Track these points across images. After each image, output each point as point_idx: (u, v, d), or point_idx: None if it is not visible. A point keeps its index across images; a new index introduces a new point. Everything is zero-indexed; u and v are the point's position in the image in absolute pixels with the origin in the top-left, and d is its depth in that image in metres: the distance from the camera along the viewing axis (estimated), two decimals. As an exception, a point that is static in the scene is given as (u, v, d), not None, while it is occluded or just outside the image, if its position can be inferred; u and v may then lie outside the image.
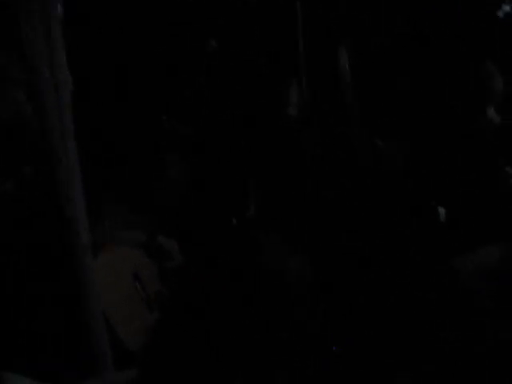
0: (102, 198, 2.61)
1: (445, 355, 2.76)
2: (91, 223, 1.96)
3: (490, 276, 2.85)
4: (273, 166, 3.21)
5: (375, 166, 3.17)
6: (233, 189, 3.23)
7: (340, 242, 3.09)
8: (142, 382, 1.94)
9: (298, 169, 3.19)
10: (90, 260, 1.93)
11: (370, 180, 3.16)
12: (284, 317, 2.69)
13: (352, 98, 3.11)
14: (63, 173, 1.83)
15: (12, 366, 1.73)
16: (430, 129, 3.49)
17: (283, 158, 3.20)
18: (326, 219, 3.15)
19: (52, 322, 1.90)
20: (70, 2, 2.50)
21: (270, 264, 2.75)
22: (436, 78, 3.45)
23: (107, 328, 2.02)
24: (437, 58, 3.62)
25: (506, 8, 3.57)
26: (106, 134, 2.98)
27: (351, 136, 3.12)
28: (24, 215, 2.02)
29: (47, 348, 1.90)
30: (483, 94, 2.85)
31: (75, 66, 2.05)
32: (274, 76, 3.37)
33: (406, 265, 2.89)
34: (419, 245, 2.96)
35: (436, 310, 2.84)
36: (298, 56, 3.55)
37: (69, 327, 1.87)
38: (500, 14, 3.56)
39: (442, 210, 3.08)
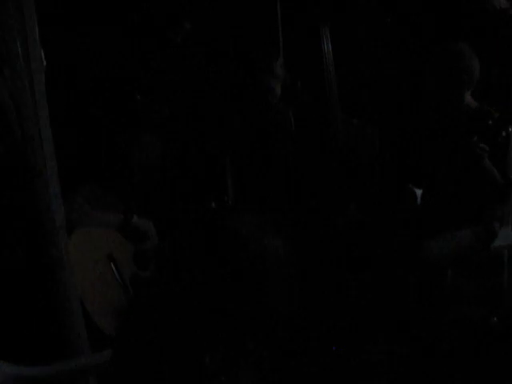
0: (76, 178, 2.57)
1: (416, 335, 2.81)
2: (66, 204, 1.92)
3: (463, 258, 2.89)
4: (251, 145, 3.19)
5: (350, 146, 3.18)
6: (211, 169, 3.21)
7: (317, 222, 3.10)
8: (118, 363, 1.92)
9: (276, 148, 3.18)
10: (65, 241, 1.89)
11: (346, 159, 3.17)
12: (260, 297, 2.71)
13: (332, 76, 3.10)
14: (36, 151, 1.78)
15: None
16: (406, 111, 3.51)
17: (261, 138, 3.19)
18: (304, 200, 3.16)
19: (26, 305, 1.87)
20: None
21: (247, 246, 2.74)
22: (414, 61, 3.46)
23: (82, 310, 2.00)
24: (415, 41, 3.64)
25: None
26: (81, 114, 2.94)
27: (329, 114, 3.11)
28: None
29: (22, 331, 1.87)
30: (460, 78, 2.86)
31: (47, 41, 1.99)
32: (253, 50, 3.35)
33: (381, 245, 2.92)
34: (395, 225, 2.98)
35: (407, 291, 2.88)
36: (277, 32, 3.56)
37: (44, 310, 1.84)
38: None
39: (418, 192, 3.10)
